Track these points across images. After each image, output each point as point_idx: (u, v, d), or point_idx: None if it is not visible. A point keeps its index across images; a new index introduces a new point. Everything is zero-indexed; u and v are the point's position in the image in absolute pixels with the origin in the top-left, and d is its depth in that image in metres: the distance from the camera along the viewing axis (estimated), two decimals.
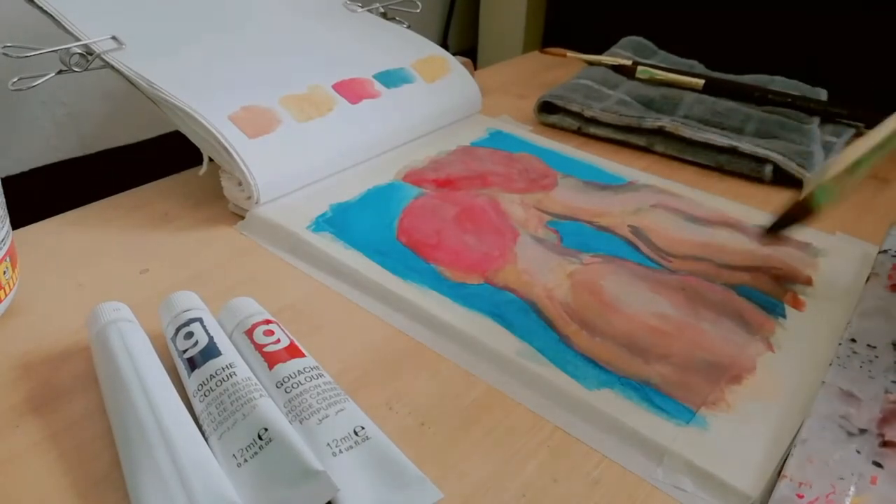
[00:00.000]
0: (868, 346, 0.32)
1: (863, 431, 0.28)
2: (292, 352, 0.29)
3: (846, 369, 0.31)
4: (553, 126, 0.57)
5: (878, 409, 0.29)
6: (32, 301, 0.35)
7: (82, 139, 0.58)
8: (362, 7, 0.60)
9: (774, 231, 0.37)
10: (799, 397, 0.31)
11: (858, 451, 0.27)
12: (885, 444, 0.27)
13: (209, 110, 0.41)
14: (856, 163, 0.33)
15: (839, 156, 0.34)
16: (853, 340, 0.33)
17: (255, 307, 0.32)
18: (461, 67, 0.57)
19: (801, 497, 0.25)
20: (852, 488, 0.25)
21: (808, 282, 0.39)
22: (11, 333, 0.33)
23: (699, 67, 0.64)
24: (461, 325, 0.33)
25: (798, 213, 0.36)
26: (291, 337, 0.30)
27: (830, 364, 0.31)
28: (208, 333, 0.29)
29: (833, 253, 0.41)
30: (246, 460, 0.25)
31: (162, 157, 0.51)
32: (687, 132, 0.51)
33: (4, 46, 0.41)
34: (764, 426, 0.29)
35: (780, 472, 0.26)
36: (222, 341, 0.29)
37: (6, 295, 0.33)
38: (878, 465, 0.26)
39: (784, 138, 0.52)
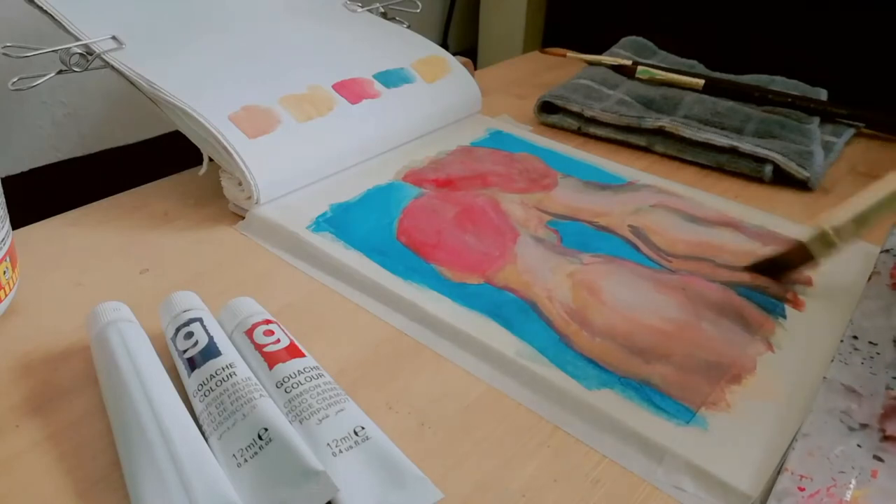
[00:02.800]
0: (870, 343, 0.32)
1: (864, 426, 0.28)
2: (292, 352, 0.29)
3: (848, 365, 0.31)
4: (553, 126, 0.57)
5: (880, 404, 0.29)
6: (32, 301, 0.35)
7: (82, 139, 0.58)
8: (362, 7, 0.60)
9: (767, 273, 0.37)
10: (799, 397, 0.31)
11: (859, 446, 0.27)
12: (885, 438, 0.27)
13: (209, 110, 0.41)
14: (863, 216, 0.33)
15: (846, 205, 0.34)
16: (855, 337, 0.33)
17: (256, 307, 0.32)
18: (461, 67, 0.57)
19: (801, 490, 0.25)
20: (853, 481, 0.25)
21: (808, 282, 0.39)
22: (11, 333, 0.33)
23: (699, 67, 0.64)
24: (461, 325, 0.33)
25: (797, 259, 0.36)
26: (291, 337, 0.30)
27: (832, 360, 0.32)
28: (208, 333, 0.29)
29: None
30: (246, 460, 0.25)
31: (162, 157, 0.51)
32: (687, 132, 0.51)
33: (4, 46, 0.41)
34: (764, 426, 0.29)
35: (780, 472, 0.26)
36: (222, 341, 0.29)
37: (6, 295, 0.33)
38: (879, 459, 0.26)
39: (784, 138, 0.52)
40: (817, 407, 0.29)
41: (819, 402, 0.29)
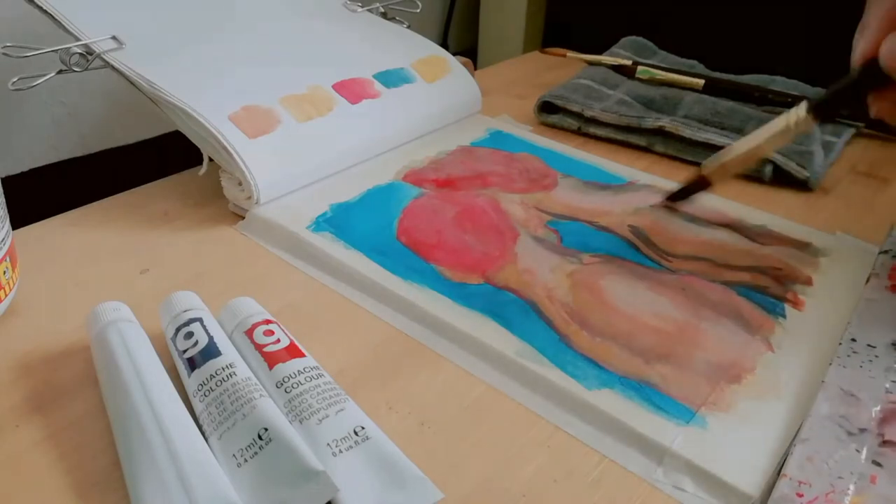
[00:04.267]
0: (868, 346, 0.32)
1: (862, 431, 0.28)
2: (292, 352, 0.29)
3: (846, 369, 0.31)
4: (553, 126, 0.57)
5: (878, 408, 0.29)
6: (32, 301, 0.35)
7: (82, 139, 0.58)
8: (362, 7, 0.60)
9: (674, 200, 0.44)
10: (799, 397, 0.31)
11: (858, 451, 0.27)
12: (884, 443, 0.27)
13: (209, 110, 0.41)
14: (746, 153, 0.40)
15: (736, 143, 0.41)
16: (853, 340, 0.33)
17: (256, 307, 0.32)
18: (461, 67, 0.57)
19: (800, 496, 0.25)
20: (851, 487, 0.25)
21: (808, 282, 0.39)
22: (11, 333, 0.33)
23: (699, 67, 0.64)
24: (461, 325, 0.33)
25: (696, 187, 0.42)
26: (291, 337, 0.30)
27: (830, 364, 0.31)
28: (208, 333, 0.29)
29: (833, 253, 0.41)
30: (246, 460, 0.25)
31: (162, 157, 0.51)
32: (687, 132, 0.51)
33: (4, 46, 0.41)
34: (764, 426, 0.29)
35: (780, 472, 0.26)
36: (222, 341, 0.29)
37: (6, 295, 0.33)
38: (878, 464, 0.26)
39: None
40: (815, 411, 0.29)
41: (817, 406, 0.29)
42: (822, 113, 0.37)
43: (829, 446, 0.27)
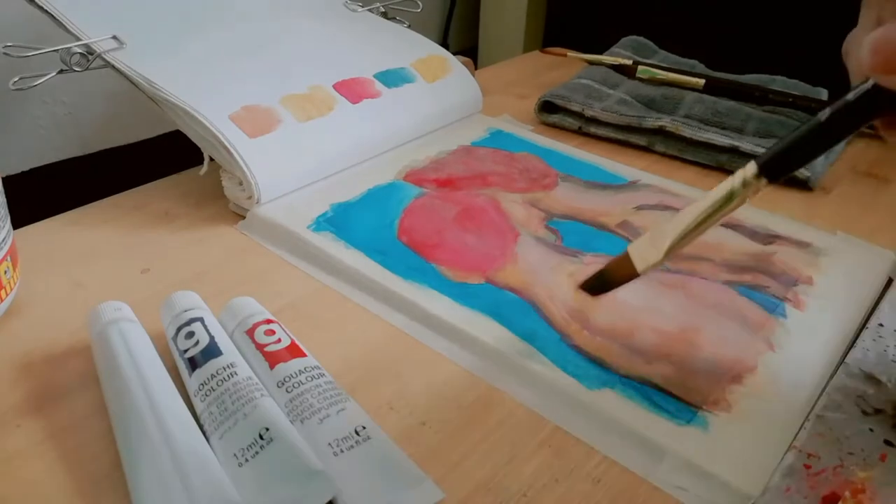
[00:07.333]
0: (895, 332, 0.33)
1: (878, 411, 0.28)
2: (293, 351, 0.29)
3: (870, 352, 0.31)
4: (554, 126, 0.57)
5: None
6: (33, 301, 0.35)
7: (83, 139, 0.58)
8: (363, 7, 0.60)
9: (591, 290, 0.33)
10: (799, 397, 0.31)
11: (871, 430, 0.27)
12: None
13: (210, 110, 0.41)
14: (680, 237, 0.29)
15: (666, 226, 0.30)
16: (881, 325, 0.33)
17: (256, 307, 0.32)
18: (461, 67, 0.57)
19: (808, 467, 0.25)
20: (861, 463, 0.26)
21: (809, 281, 0.39)
22: (12, 333, 0.33)
23: (700, 67, 0.64)
24: (462, 325, 0.33)
25: (620, 275, 0.32)
26: (292, 336, 0.30)
27: (853, 346, 0.32)
28: (209, 333, 0.29)
29: (834, 252, 0.41)
30: (247, 460, 0.25)
31: (162, 157, 0.51)
32: (687, 132, 0.51)
33: (5, 46, 0.41)
34: (764, 426, 0.29)
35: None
36: (223, 341, 0.29)
37: (7, 294, 0.33)
38: (890, 444, 0.27)
39: None
40: (834, 388, 0.29)
41: (836, 384, 0.29)
42: (774, 171, 0.27)
43: (844, 423, 0.27)
